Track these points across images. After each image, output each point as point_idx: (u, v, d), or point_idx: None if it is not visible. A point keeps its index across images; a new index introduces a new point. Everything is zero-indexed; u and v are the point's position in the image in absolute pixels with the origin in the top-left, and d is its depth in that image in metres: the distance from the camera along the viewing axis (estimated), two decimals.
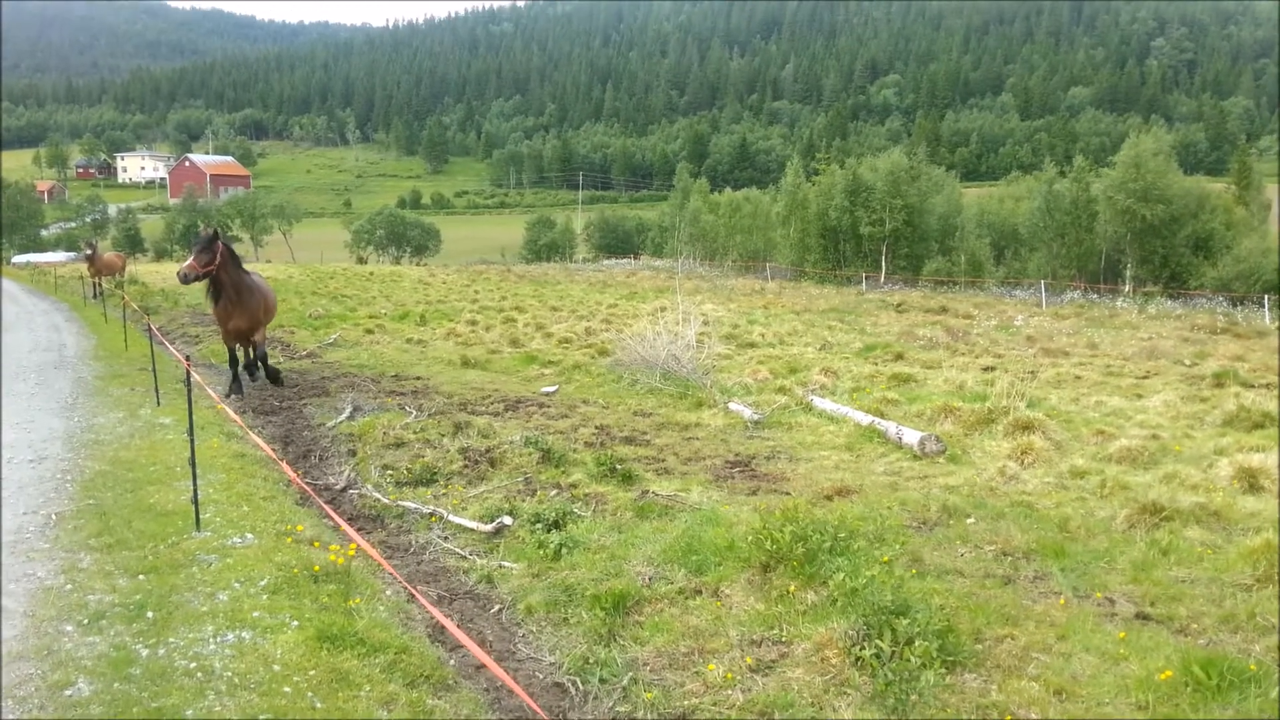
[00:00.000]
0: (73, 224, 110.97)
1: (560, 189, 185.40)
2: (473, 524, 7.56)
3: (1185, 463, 9.42)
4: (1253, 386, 15.16)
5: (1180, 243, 44.59)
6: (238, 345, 13.63)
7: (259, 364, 14.32)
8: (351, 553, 6.19)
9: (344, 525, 5.47)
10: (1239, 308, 34.85)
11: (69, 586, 5.70)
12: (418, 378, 15.66)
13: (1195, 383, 15.91)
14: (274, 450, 8.68)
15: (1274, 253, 41.33)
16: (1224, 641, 5.26)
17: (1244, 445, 10.03)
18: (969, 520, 7.50)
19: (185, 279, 12.12)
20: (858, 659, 4.84)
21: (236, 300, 12.92)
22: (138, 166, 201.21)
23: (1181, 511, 7.36)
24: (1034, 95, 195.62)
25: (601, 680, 4.98)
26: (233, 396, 13.08)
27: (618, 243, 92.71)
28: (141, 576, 5.88)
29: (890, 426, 10.69)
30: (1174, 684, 4.56)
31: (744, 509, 7.62)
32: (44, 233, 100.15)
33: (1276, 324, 30.07)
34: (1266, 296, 33.95)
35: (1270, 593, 5.90)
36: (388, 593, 6.12)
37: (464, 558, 7.01)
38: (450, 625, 3.97)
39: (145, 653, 4.83)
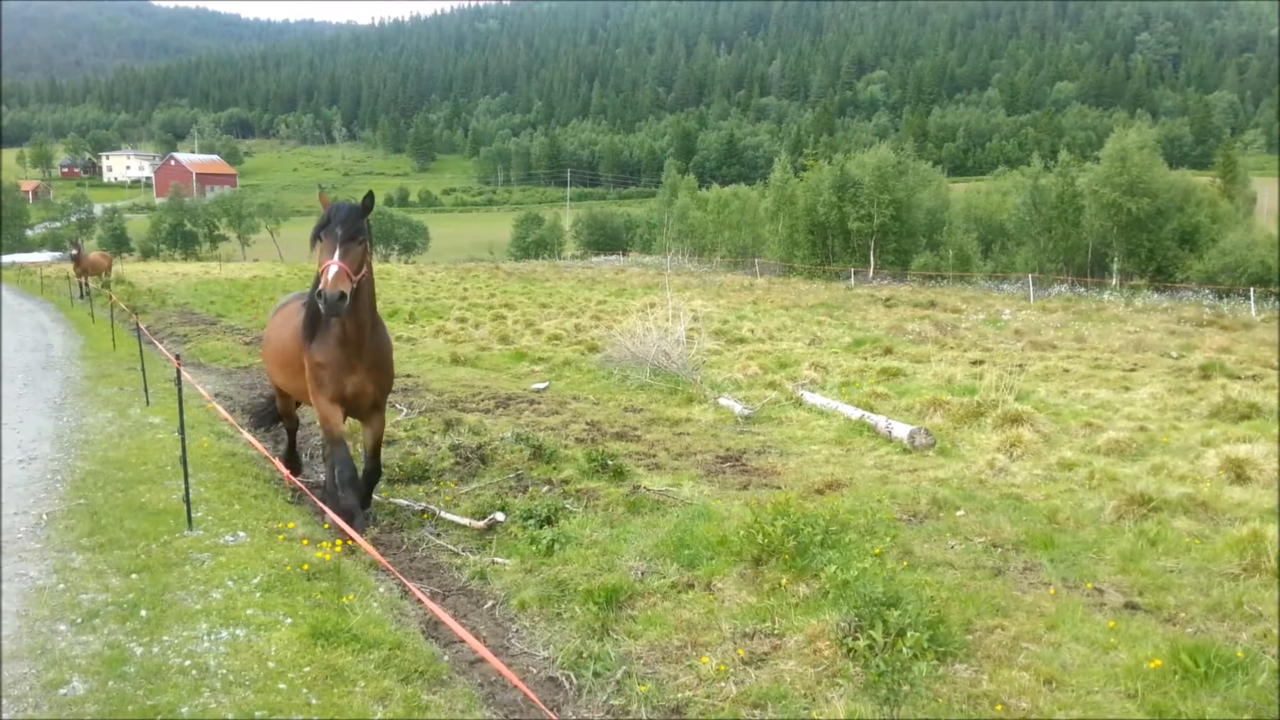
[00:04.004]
0: (58, 224, 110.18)
1: (548, 186, 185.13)
2: (465, 520, 7.57)
3: (1173, 454, 9.49)
4: (1239, 378, 15.26)
5: (1166, 236, 44.78)
6: (342, 422, 7.38)
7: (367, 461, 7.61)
8: (339, 548, 6.20)
9: (338, 521, 5.46)
10: (1225, 300, 35.07)
11: (61, 586, 5.69)
12: (408, 375, 15.64)
13: (1182, 375, 16.00)
14: (265, 448, 8.68)
15: (1259, 245, 41.56)
16: (1211, 630, 5.31)
17: (1231, 436, 10.12)
18: (959, 513, 7.55)
19: (338, 304, 6.30)
20: (850, 650, 4.88)
21: (368, 340, 7.06)
22: (123, 166, 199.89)
23: (1169, 502, 7.43)
24: (1020, 90, 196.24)
25: (595, 674, 5.00)
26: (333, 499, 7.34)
27: (606, 240, 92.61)
28: (134, 575, 5.87)
29: (880, 420, 10.74)
30: (1163, 672, 4.62)
31: (735, 503, 7.66)
32: (29, 233, 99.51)
33: (1262, 316, 30.27)
34: (1252, 289, 34.15)
35: (1258, 581, 5.96)
36: (381, 589, 6.13)
37: (456, 554, 7.02)
38: (448, 619, 3.98)
39: (139, 651, 4.82)
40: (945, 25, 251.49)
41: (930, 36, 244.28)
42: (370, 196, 6.89)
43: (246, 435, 7.98)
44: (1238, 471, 8.51)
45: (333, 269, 6.28)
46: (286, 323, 7.87)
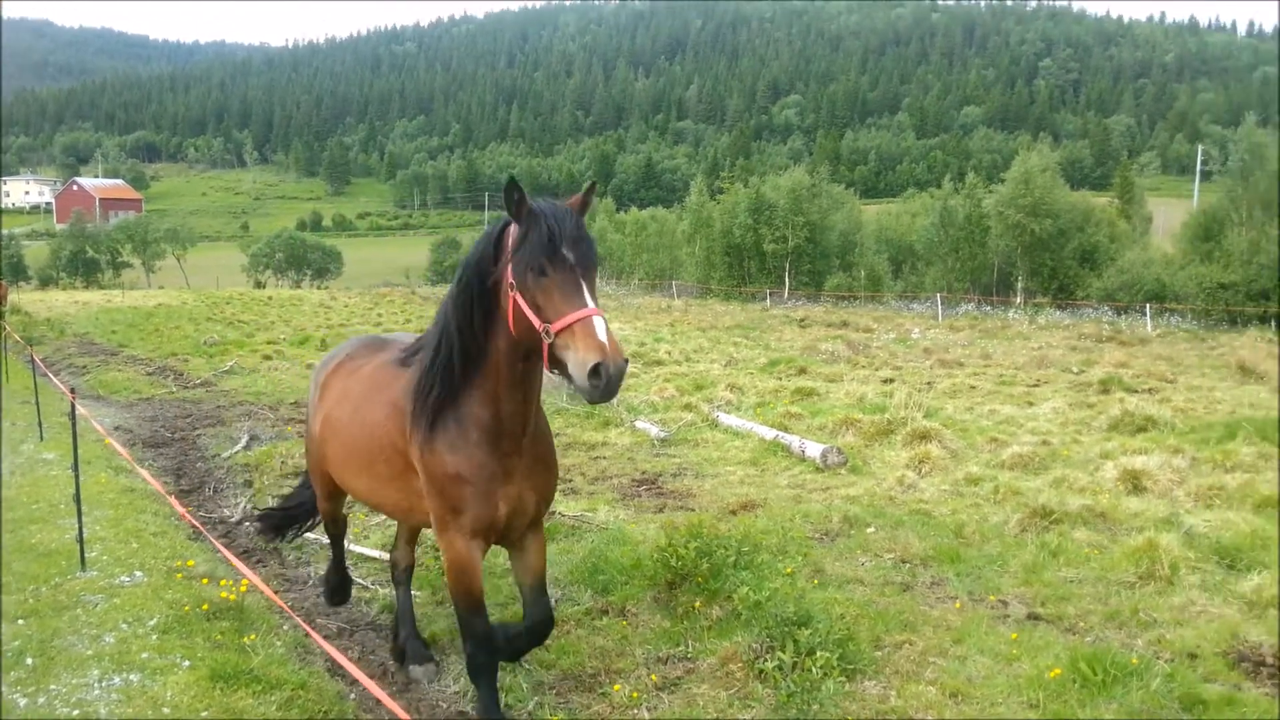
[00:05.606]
0: None
1: (466, 209, 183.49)
2: (375, 552, 7.42)
3: (1073, 467, 9.79)
4: (1136, 391, 15.86)
5: (1068, 255, 46.43)
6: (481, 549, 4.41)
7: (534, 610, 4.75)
8: (244, 588, 6.00)
9: (234, 561, 5.25)
10: (1123, 317, 36.44)
11: None
12: None
13: (1082, 389, 16.56)
14: (164, 484, 8.39)
15: (1155, 264, 43.28)
16: (1109, 638, 5.48)
17: (1128, 448, 10.49)
18: (869, 529, 7.66)
19: (619, 384, 3.44)
20: (761, 672, 4.89)
21: (531, 423, 4.23)
22: (21, 191, 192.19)
23: (1070, 514, 7.65)
24: (929, 114, 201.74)
25: (508, 706, 4.92)
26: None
27: None
28: (21, 621, 5.60)
29: (794, 440, 10.86)
30: (1063, 681, 4.73)
31: (650, 527, 7.65)
32: None
33: (1157, 331, 31.52)
34: (1148, 305, 35.56)
35: (1152, 589, 6.19)
36: (285, 628, 5.94)
37: (366, 587, 6.87)
38: (344, 660, 3.87)
39: (24, 702, 4.60)
40: (857, 51, 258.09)
41: (843, 62, 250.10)
42: (592, 189, 4.11)
43: (143, 472, 7.70)
44: (1135, 482, 8.82)
45: (600, 325, 3.51)
46: (372, 393, 4.85)
